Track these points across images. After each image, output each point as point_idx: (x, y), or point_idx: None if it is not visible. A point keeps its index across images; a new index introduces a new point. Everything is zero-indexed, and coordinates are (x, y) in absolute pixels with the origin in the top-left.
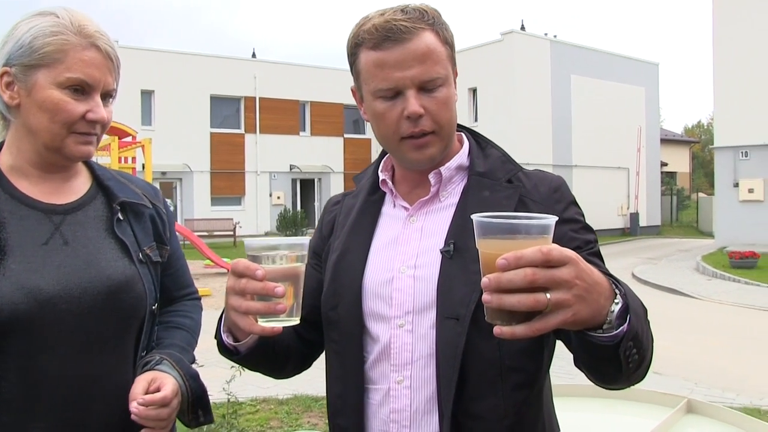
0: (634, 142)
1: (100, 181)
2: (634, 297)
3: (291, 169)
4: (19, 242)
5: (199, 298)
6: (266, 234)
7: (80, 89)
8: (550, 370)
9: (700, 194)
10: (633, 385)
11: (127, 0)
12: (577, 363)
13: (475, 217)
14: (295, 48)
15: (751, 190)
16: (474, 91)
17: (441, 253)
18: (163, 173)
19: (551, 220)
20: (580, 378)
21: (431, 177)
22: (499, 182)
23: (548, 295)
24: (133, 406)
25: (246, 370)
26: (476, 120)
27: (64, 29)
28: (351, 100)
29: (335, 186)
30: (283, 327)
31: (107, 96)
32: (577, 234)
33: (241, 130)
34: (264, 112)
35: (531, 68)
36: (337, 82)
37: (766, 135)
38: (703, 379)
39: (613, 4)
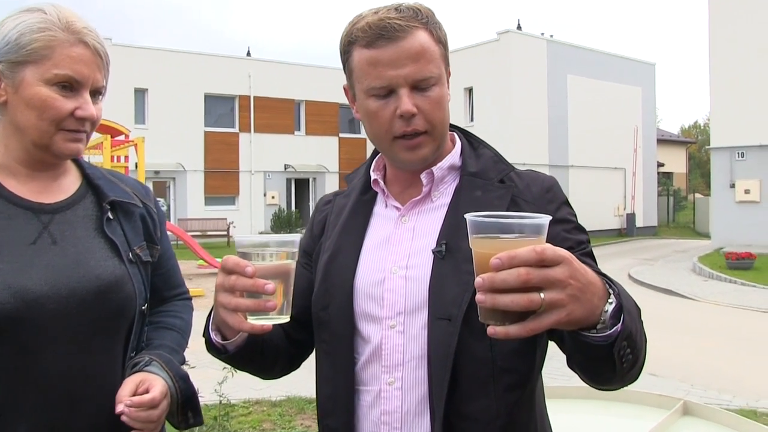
0: (631, 143)
1: (90, 180)
2: (628, 297)
3: (286, 168)
4: (6, 241)
5: (190, 299)
6: (260, 234)
7: (68, 86)
8: (545, 372)
9: (697, 195)
10: (627, 385)
11: None
12: (571, 363)
13: (469, 217)
14: (290, 46)
15: (747, 191)
16: (470, 90)
17: (433, 253)
18: (157, 172)
19: (545, 219)
20: (575, 380)
21: (423, 177)
22: (491, 182)
23: (542, 295)
24: (120, 408)
25: (239, 371)
26: (472, 120)
27: (52, 25)
28: (346, 100)
29: (330, 186)
30: (273, 325)
31: (96, 93)
32: (570, 234)
33: (236, 129)
34: (258, 111)
35: (527, 68)
36: (332, 81)
37: (762, 136)
38: (699, 381)
39: (610, 4)
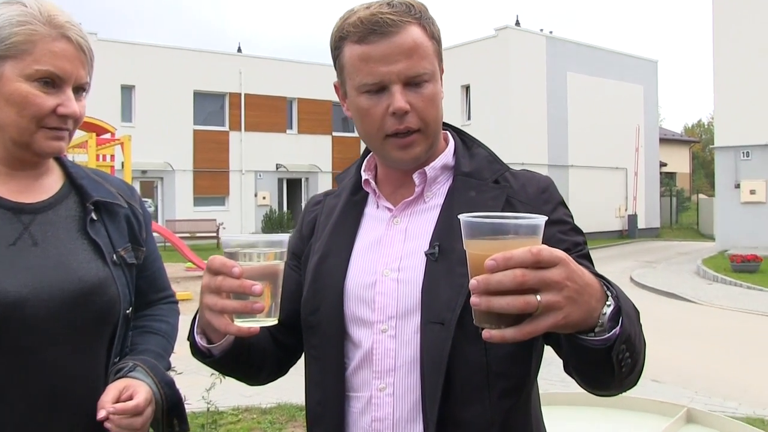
0: (633, 142)
1: (73, 180)
2: (626, 299)
3: (277, 168)
4: None
5: (176, 302)
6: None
7: (50, 82)
8: (543, 377)
9: (701, 195)
10: (625, 390)
11: None
12: (567, 368)
13: (463, 217)
14: (282, 42)
15: (753, 192)
16: (467, 88)
17: (426, 255)
18: (144, 172)
19: (541, 219)
20: (574, 386)
21: (416, 177)
22: (485, 182)
23: (538, 297)
24: (102, 414)
25: (228, 377)
26: (469, 118)
27: (33, 19)
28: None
29: (323, 186)
30: (260, 329)
31: (80, 90)
32: (566, 236)
33: (226, 128)
34: (249, 108)
35: (526, 65)
36: (325, 79)
37: None
38: (703, 388)
39: (611, 0)
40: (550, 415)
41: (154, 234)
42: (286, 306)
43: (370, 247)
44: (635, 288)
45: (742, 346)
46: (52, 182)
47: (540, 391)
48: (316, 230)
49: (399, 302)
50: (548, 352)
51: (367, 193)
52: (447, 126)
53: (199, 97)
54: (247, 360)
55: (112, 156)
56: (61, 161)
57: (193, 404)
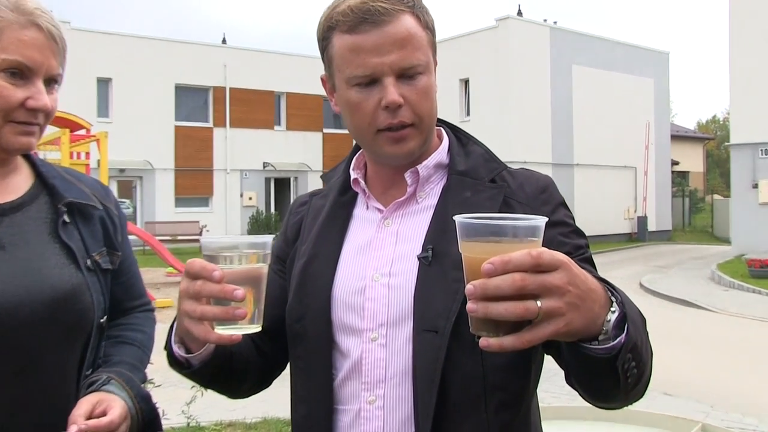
0: (642, 139)
1: (44, 179)
2: (632, 305)
3: (264, 167)
4: None
5: (153, 310)
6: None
7: (18, 73)
8: (548, 390)
9: (716, 196)
10: (631, 403)
11: None
12: (569, 379)
13: (458, 219)
14: (269, 33)
15: None
16: (466, 82)
17: (418, 259)
18: (122, 171)
19: (541, 221)
20: (581, 399)
21: (407, 176)
22: (481, 182)
23: (539, 303)
24: (73, 430)
25: (210, 390)
26: (468, 114)
27: None
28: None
29: (313, 186)
30: (243, 337)
31: (51, 81)
32: (567, 238)
33: (210, 124)
34: (235, 104)
35: (528, 58)
36: (316, 72)
37: None
38: (719, 402)
39: None
40: (555, 430)
41: (133, 237)
42: (270, 312)
43: (359, 250)
44: (645, 294)
45: (761, 358)
46: (20, 181)
47: (543, 405)
48: (301, 233)
49: (390, 309)
50: (552, 362)
51: (356, 194)
52: (441, 122)
53: (181, 91)
54: (229, 371)
55: (87, 154)
56: (30, 159)
57: (172, 419)
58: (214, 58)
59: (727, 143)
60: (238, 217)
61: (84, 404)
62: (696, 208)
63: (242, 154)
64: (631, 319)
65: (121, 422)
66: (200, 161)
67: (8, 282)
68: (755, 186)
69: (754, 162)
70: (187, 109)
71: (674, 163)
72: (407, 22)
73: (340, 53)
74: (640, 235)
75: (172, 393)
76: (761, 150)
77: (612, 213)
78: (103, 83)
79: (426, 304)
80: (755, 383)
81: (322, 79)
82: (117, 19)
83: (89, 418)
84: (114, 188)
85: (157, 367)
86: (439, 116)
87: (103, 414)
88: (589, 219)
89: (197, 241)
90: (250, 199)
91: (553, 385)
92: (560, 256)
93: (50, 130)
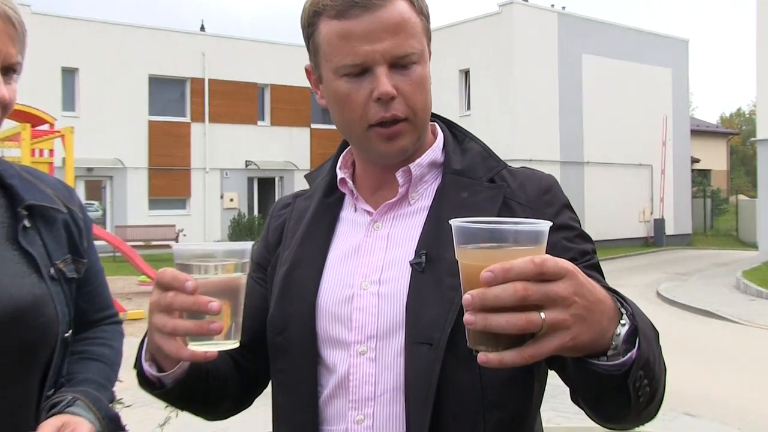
0: (659, 134)
1: (1, 180)
2: (643, 317)
3: (247, 165)
4: None
5: (120, 322)
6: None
7: None
8: (555, 408)
9: (741, 196)
10: (643, 423)
11: None
12: (575, 397)
13: (455, 223)
14: (252, 20)
15: None
16: (466, 73)
17: (411, 265)
18: (90, 170)
19: (544, 225)
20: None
21: (399, 176)
22: (479, 181)
23: (542, 315)
24: None
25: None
26: (468, 108)
27: None
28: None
29: (300, 186)
30: (219, 352)
31: (9, 71)
32: (572, 243)
33: (187, 119)
34: (214, 96)
35: (534, 46)
36: (302, 62)
37: None
38: (746, 424)
39: None
40: None
41: (102, 243)
42: (250, 325)
43: (346, 256)
44: (662, 304)
45: None
46: None
47: (551, 425)
48: (284, 237)
49: (380, 319)
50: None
51: (344, 195)
52: (435, 117)
53: (156, 82)
54: (205, 390)
55: (51, 151)
56: None
57: None
58: (192, 47)
59: (753, 138)
60: (218, 220)
61: (47, 428)
62: (719, 209)
63: (222, 151)
64: (642, 333)
65: None
66: (176, 159)
67: None
68: None
69: None
70: (161, 102)
71: (694, 160)
72: (400, 7)
73: (328, 40)
74: (656, 239)
75: (144, 413)
76: None
77: (626, 215)
78: (69, 73)
79: (419, 314)
80: None
81: (306, 70)
82: (84, 2)
83: None
84: (81, 189)
85: (127, 385)
86: (438, 111)
87: None
88: (600, 222)
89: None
90: (231, 200)
91: (561, 404)
92: (566, 263)
93: (9, 125)
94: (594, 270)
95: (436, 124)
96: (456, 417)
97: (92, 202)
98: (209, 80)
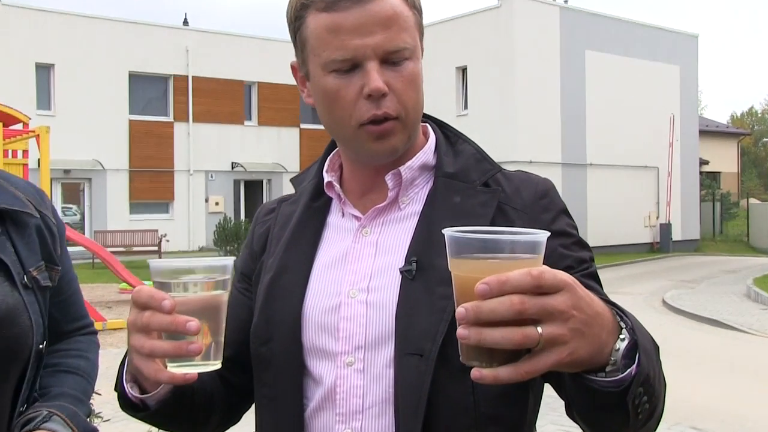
0: (666, 135)
1: None
2: (643, 331)
3: (233, 167)
4: None
5: (96, 333)
6: (200, 250)
7: None
8: (555, 422)
9: (752, 200)
10: None
11: None
12: (571, 412)
13: (448, 232)
14: (238, 14)
15: None
16: (463, 70)
17: (401, 272)
18: (67, 172)
19: (542, 236)
20: None
21: (389, 179)
22: (472, 185)
23: (539, 329)
24: None
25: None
26: (466, 107)
27: None
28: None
29: (289, 189)
30: (200, 373)
31: None
32: (569, 250)
33: (170, 118)
34: (198, 95)
35: (535, 42)
36: (291, 58)
37: None
38: None
39: None
40: None
41: (80, 248)
42: (235, 338)
43: (333, 263)
44: (669, 313)
45: None
46: None
47: None
48: (269, 244)
49: (368, 329)
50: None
51: (331, 199)
52: (426, 118)
53: (137, 79)
54: (191, 409)
55: (25, 152)
56: None
57: None
58: (175, 42)
59: (765, 139)
60: (202, 225)
61: None
62: (728, 214)
63: (207, 152)
64: (642, 348)
65: None
66: (159, 161)
67: None
68: None
69: None
70: (143, 100)
71: (703, 162)
72: (392, 0)
73: (316, 34)
74: (663, 245)
75: (124, 428)
76: None
77: (631, 220)
78: (44, 70)
79: (409, 323)
80: None
81: (292, 67)
82: None
83: None
84: (58, 192)
85: (106, 398)
86: (434, 110)
87: None
88: (604, 227)
89: (155, 252)
90: (217, 204)
91: (562, 416)
92: (564, 276)
93: None
94: (592, 279)
95: (427, 125)
96: (448, 431)
97: (70, 205)
98: (193, 77)
